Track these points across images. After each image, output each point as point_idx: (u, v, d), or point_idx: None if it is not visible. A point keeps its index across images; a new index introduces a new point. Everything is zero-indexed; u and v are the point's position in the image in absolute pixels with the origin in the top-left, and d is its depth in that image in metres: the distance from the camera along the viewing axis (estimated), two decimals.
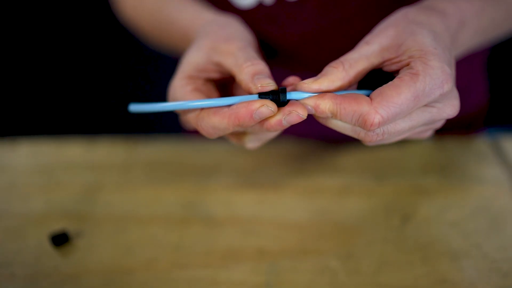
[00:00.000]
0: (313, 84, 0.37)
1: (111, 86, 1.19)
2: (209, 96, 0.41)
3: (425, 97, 0.35)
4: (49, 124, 1.08)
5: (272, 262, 0.45)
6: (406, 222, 0.49)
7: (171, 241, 0.48)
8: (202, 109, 0.39)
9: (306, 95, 0.37)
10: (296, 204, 0.51)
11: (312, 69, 0.48)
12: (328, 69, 0.37)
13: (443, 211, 0.50)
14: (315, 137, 0.60)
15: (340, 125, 0.37)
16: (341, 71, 0.37)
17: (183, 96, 0.40)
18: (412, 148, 0.58)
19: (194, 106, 0.38)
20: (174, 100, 0.41)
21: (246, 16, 0.54)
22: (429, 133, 0.41)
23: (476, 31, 0.45)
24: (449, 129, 0.63)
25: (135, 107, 0.41)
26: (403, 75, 0.35)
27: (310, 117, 0.38)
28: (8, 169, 0.59)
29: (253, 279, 0.44)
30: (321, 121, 0.38)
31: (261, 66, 0.38)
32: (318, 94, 0.36)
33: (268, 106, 0.35)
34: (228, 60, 0.40)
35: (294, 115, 0.36)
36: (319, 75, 0.37)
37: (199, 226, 0.49)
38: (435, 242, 0.46)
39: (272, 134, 0.41)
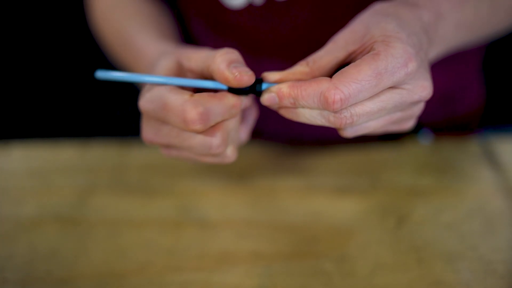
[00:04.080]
0: (275, 74, 0.39)
1: (104, 89, 1.18)
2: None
3: (388, 75, 0.35)
4: (42, 128, 1.07)
5: (266, 265, 0.45)
6: (401, 224, 0.49)
7: (165, 244, 0.47)
8: (192, 94, 0.38)
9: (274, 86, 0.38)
10: (291, 207, 0.51)
11: None
12: (294, 66, 0.39)
13: (438, 213, 0.50)
14: (309, 141, 0.60)
15: (308, 114, 0.38)
16: (304, 67, 0.38)
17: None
18: (407, 150, 0.58)
19: (165, 82, 0.38)
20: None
21: (237, 16, 0.54)
22: (410, 122, 0.41)
23: (459, 26, 0.44)
24: (446, 130, 0.63)
25: (103, 74, 0.40)
26: (365, 56, 0.35)
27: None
28: (1, 173, 0.58)
29: (247, 282, 0.43)
30: (290, 115, 0.39)
31: (236, 55, 0.38)
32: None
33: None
34: (199, 61, 0.40)
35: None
36: (284, 70, 0.39)
37: (193, 229, 0.49)
38: (430, 244, 0.46)
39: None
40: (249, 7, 0.53)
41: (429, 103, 0.44)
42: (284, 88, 0.37)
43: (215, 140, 0.38)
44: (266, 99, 0.38)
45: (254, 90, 0.38)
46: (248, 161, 0.57)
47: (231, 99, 0.38)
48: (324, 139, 0.58)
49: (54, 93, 1.23)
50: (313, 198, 0.52)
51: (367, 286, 0.43)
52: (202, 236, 0.48)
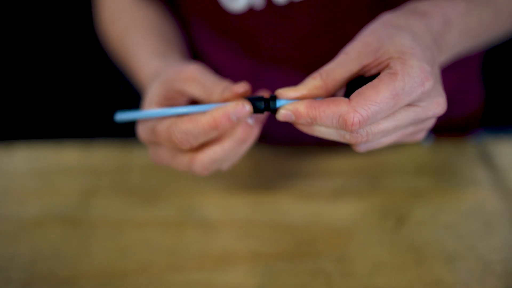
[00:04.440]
0: (290, 91, 0.38)
1: (107, 90, 1.19)
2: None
3: (405, 95, 0.35)
4: (45, 129, 1.08)
5: (267, 265, 0.45)
6: (401, 225, 0.49)
7: (167, 244, 0.48)
8: (177, 117, 0.40)
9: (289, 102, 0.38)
10: (291, 207, 0.52)
11: (304, 71, 0.49)
12: (307, 79, 0.38)
13: (437, 213, 0.50)
14: (310, 142, 0.60)
15: (324, 131, 0.38)
16: (318, 80, 0.38)
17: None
18: (406, 151, 0.59)
19: (180, 112, 0.39)
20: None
21: (238, 20, 0.54)
22: (421, 134, 0.41)
23: (464, 33, 0.45)
24: (445, 131, 0.64)
25: (122, 116, 0.42)
26: (382, 76, 0.35)
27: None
28: (4, 173, 0.59)
29: (248, 282, 0.44)
30: (305, 130, 0.39)
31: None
32: (298, 100, 0.37)
33: (245, 105, 0.38)
34: (192, 86, 0.42)
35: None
36: (298, 85, 0.38)
37: (194, 230, 0.50)
38: (430, 244, 0.47)
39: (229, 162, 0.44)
40: (250, 11, 0.53)
41: None
42: (301, 108, 0.37)
43: (197, 167, 0.42)
44: (282, 116, 0.38)
45: (269, 107, 0.38)
46: (249, 162, 0.58)
47: (204, 120, 0.38)
48: (324, 141, 0.58)
49: (57, 94, 1.24)
50: (313, 199, 0.53)
51: (367, 286, 0.43)
52: (203, 237, 0.49)
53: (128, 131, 0.69)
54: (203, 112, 0.39)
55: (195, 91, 0.42)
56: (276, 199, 0.53)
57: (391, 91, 0.34)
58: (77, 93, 1.22)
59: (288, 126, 0.44)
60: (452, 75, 0.61)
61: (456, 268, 0.44)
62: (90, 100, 1.21)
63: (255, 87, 0.47)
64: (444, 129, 0.64)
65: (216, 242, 0.48)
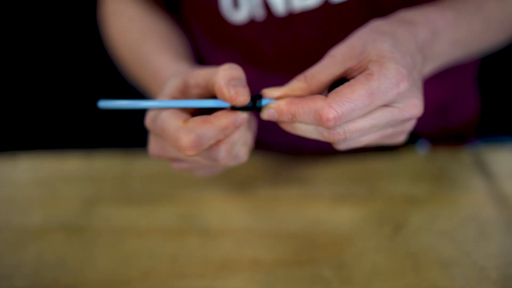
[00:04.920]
0: (274, 91, 0.40)
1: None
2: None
3: (381, 95, 0.36)
4: (48, 139, 1.09)
5: (267, 272, 0.46)
6: (398, 232, 0.50)
7: (168, 252, 0.49)
8: (188, 120, 0.39)
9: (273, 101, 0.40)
10: (290, 215, 0.52)
11: None
12: (292, 81, 0.40)
13: (433, 220, 0.51)
14: (308, 151, 0.61)
15: (304, 129, 0.39)
16: (302, 82, 0.40)
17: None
18: (403, 159, 0.59)
19: (166, 105, 0.39)
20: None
21: (239, 31, 0.56)
22: (401, 137, 0.42)
23: (453, 42, 0.46)
24: (442, 140, 0.64)
25: (105, 104, 0.41)
26: (359, 76, 0.37)
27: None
28: (8, 183, 0.60)
29: None
30: (288, 128, 0.40)
31: (238, 72, 0.39)
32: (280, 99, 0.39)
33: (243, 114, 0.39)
34: (204, 77, 0.42)
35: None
36: (283, 86, 0.40)
37: (195, 238, 0.50)
38: (426, 250, 0.47)
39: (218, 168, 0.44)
40: (251, 23, 0.55)
41: (424, 114, 0.45)
42: (283, 105, 0.39)
43: (220, 153, 0.39)
44: (265, 114, 0.40)
45: (255, 106, 0.40)
46: (249, 171, 0.59)
47: (223, 121, 0.38)
48: (323, 149, 0.59)
49: (60, 105, 1.24)
50: (312, 206, 0.54)
51: None
52: (204, 244, 0.49)
53: (129, 141, 0.69)
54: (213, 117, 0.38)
55: (207, 73, 0.41)
56: (276, 206, 0.54)
57: (366, 90, 0.36)
58: (79, 103, 1.23)
59: (286, 134, 0.45)
60: (448, 83, 0.62)
61: (452, 274, 0.45)
62: (93, 110, 1.22)
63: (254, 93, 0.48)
64: (441, 138, 0.65)
65: (217, 249, 0.49)
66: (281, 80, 0.58)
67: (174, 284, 0.45)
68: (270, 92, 0.40)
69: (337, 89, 0.37)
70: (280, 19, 0.54)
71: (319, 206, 0.53)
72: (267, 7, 0.53)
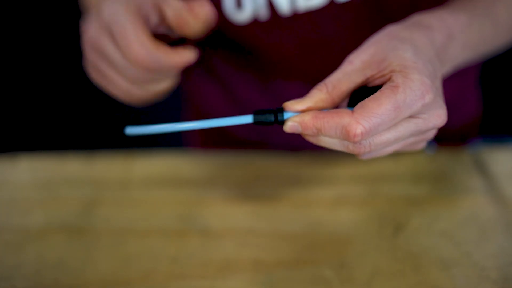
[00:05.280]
0: (297, 104, 0.39)
1: (110, 101, 1.20)
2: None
3: (406, 108, 0.36)
4: (49, 140, 1.09)
5: (267, 273, 0.46)
6: (398, 232, 0.50)
7: (169, 253, 0.49)
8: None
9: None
10: (291, 216, 0.53)
11: (308, 81, 0.50)
12: (313, 91, 0.39)
13: (434, 221, 0.51)
14: (310, 149, 0.61)
15: (328, 141, 0.39)
16: (324, 93, 0.39)
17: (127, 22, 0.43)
18: (404, 160, 0.60)
19: (188, 128, 0.39)
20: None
21: (242, 31, 0.56)
22: (422, 144, 0.42)
23: (466, 46, 0.46)
24: (444, 140, 0.64)
25: (132, 130, 0.42)
26: (383, 88, 0.36)
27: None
28: (8, 184, 0.60)
29: None
30: (312, 140, 0.40)
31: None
32: (304, 112, 0.39)
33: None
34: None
35: None
36: (304, 97, 0.39)
37: (196, 238, 0.50)
38: (426, 251, 0.47)
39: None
40: (254, 22, 0.55)
41: None
42: (307, 119, 0.38)
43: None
44: (289, 127, 0.39)
45: (277, 120, 0.39)
46: (249, 171, 0.59)
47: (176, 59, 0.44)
48: (323, 150, 0.59)
49: (60, 106, 1.25)
50: (313, 207, 0.54)
51: None
52: (204, 245, 0.49)
53: (130, 142, 0.70)
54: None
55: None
56: (276, 207, 0.54)
57: (393, 104, 0.35)
58: (80, 104, 1.23)
59: (287, 135, 0.45)
60: (450, 84, 0.63)
61: (453, 275, 0.45)
62: (93, 111, 1.22)
63: (260, 96, 0.48)
64: (443, 138, 0.65)
65: (218, 250, 0.49)
66: (285, 81, 0.59)
67: (175, 284, 0.45)
68: (293, 106, 0.39)
69: (363, 103, 0.36)
70: (284, 19, 0.54)
71: (320, 207, 0.53)
72: (271, 7, 0.53)
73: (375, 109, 0.36)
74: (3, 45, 1.22)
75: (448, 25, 0.43)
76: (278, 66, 0.58)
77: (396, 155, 0.60)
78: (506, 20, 0.51)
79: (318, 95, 0.39)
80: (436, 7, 0.47)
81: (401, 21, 0.43)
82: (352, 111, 0.36)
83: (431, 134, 0.41)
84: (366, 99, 0.36)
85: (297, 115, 0.39)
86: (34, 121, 1.25)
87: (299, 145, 0.61)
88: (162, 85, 0.48)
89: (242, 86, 0.60)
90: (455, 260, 0.46)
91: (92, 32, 0.45)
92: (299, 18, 0.53)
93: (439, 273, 0.45)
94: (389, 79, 0.37)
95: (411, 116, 0.37)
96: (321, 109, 0.39)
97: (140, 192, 0.57)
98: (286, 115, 0.39)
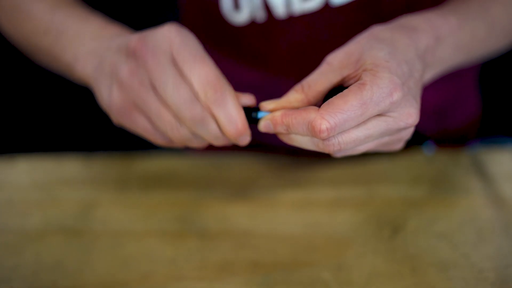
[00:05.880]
0: (271, 104, 0.41)
1: None
2: None
3: (373, 105, 0.36)
4: (47, 141, 1.09)
5: (265, 274, 0.46)
6: (396, 234, 0.50)
7: (166, 254, 0.49)
8: None
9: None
10: (289, 217, 0.53)
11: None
12: (290, 91, 0.41)
13: (431, 223, 0.51)
14: (307, 152, 0.61)
15: (300, 140, 0.40)
16: (300, 94, 0.40)
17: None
18: (402, 161, 0.60)
19: None
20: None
21: (240, 32, 0.56)
22: (399, 144, 0.42)
23: (457, 48, 0.46)
24: (443, 142, 0.65)
25: None
26: (351, 86, 0.37)
27: None
28: (6, 186, 0.60)
29: None
30: (284, 139, 0.41)
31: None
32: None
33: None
34: None
35: None
36: (280, 98, 0.41)
37: (194, 240, 0.50)
38: (424, 253, 0.47)
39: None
40: (252, 24, 0.55)
41: (424, 117, 0.45)
42: (277, 116, 0.39)
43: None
44: (262, 126, 0.41)
45: (251, 118, 0.41)
46: (247, 173, 0.59)
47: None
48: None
49: (59, 107, 1.24)
50: (311, 209, 0.54)
51: None
52: (202, 247, 0.49)
53: (128, 144, 0.70)
54: None
55: None
56: (274, 209, 0.54)
57: (359, 100, 0.36)
58: (78, 105, 1.23)
59: None
60: (449, 85, 0.63)
61: (451, 276, 0.45)
62: (91, 112, 1.22)
63: (255, 96, 0.48)
64: (442, 140, 0.65)
65: (216, 252, 0.49)
66: (281, 82, 0.59)
67: (173, 286, 0.45)
68: (267, 105, 0.41)
69: (330, 100, 0.37)
70: (280, 22, 0.54)
71: (317, 209, 0.53)
72: (267, 9, 0.53)
73: (341, 105, 0.36)
74: (1, 45, 1.22)
75: (436, 27, 0.43)
76: (273, 67, 0.58)
77: (393, 156, 0.60)
78: (502, 21, 0.51)
79: (293, 96, 0.40)
80: (427, 9, 0.47)
81: (388, 22, 0.43)
82: (319, 108, 0.37)
83: (406, 134, 0.41)
84: (334, 97, 0.37)
85: (270, 114, 0.40)
86: (32, 122, 1.25)
87: (296, 147, 0.61)
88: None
89: (236, 87, 0.60)
90: (453, 261, 0.46)
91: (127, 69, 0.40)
92: (294, 21, 0.54)
93: (437, 275, 0.45)
94: (360, 77, 0.37)
95: (380, 115, 0.38)
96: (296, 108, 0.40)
97: (138, 194, 0.57)
98: (260, 114, 0.41)
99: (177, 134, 0.40)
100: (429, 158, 0.60)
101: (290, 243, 0.49)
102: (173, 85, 0.38)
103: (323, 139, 0.37)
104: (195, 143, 0.42)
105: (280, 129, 0.39)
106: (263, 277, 0.46)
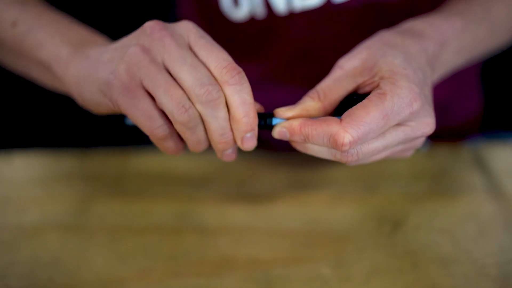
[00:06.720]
0: (287, 111, 0.39)
1: None
2: None
3: (394, 115, 0.36)
4: (43, 137, 1.08)
5: (264, 271, 0.46)
6: (397, 229, 0.49)
7: (165, 250, 0.48)
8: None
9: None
10: (288, 213, 0.52)
11: (303, 81, 0.49)
12: (305, 98, 0.39)
13: (432, 218, 0.50)
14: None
15: (316, 150, 0.39)
16: (316, 102, 0.39)
17: None
18: None
19: None
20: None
21: (239, 29, 0.55)
22: (410, 152, 0.42)
23: (460, 51, 0.46)
24: (444, 137, 0.64)
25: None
26: (371, 96, 0.36)
27: None
28: (2, 182, 0.59)
29: (246, 287, 0.44)
30: (298, 147, 0.40)
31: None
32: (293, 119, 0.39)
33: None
34: None
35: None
36: (295, 104, 0.39)
37: (192, 236, 0.50)
38: (425, 248, 0.47)
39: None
40: (251, 20, 0.54)
41: None
42: (295, 125, 0.38)
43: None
44: (277, 133, 0.39)
45: (266, 124, 0.40)
46: (246, 169, 0.58)
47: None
48: None
49: (55, 103, 1.24)
50: (310, 204, 0.53)
51: None
52: (201, 242, 0.49)
53: (125, 139, 0.69)
54: None
55: None
56: (273, 205, 0.53)
57: (381, 112, 0.35)
58: (74, 101, 1.23)
59: None
60: (451, 81, 0.62)
61: (452, 272, 0.44)
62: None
63: (254, 95, 0.47)
64: (443, 135, 0.65)
65: (214, 248, 0.48)
66: (280, 78, 0.58)
67: (171, 282, 0.45)
68: (283, 112, 0.39)
69: (351, 111, 0.36)
70: (280, 18, 0.53)
71: (317, 204, 0.53)
72: (268, 5, 0.53)
73: (364, 118, 0.35)
74: None
75: (441, 33, 0.43)
76: (273, 64, 0.57)
77: None
78: (504, 20, 0.50)
79: (310, 104, 0.39)
80: (432, 11, 0.46)
81: (394, 27, 0.43)
82: (340, 120, 0.36)
83: (419, 142, 0.40)
84: (354, 107, 0.36)
85: (286, 121, 0.39)
86: (28, 118, 1.24)
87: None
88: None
89: None
90: (454, 257, 0.46)
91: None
92: (295, 17, 0.53)
93: (438, 271, 0.45)
94: (378, 85, 0.37)
95: (399, 124, 0.37)
96: (312, 117, 0.39)
97: (135, 190, 0.57)
98: (275, 121, 0.39)
99: (184, 115, 0.37)
100: (429, 153, 0.60)
101: (289, 239, 0.49)
102: (191, 64, 0.36)
103: (344, 152, 0.37)
104: (190, 138, 0.41)
105: (296, 139, 0.38)
106: (262, 273, 0.45)
